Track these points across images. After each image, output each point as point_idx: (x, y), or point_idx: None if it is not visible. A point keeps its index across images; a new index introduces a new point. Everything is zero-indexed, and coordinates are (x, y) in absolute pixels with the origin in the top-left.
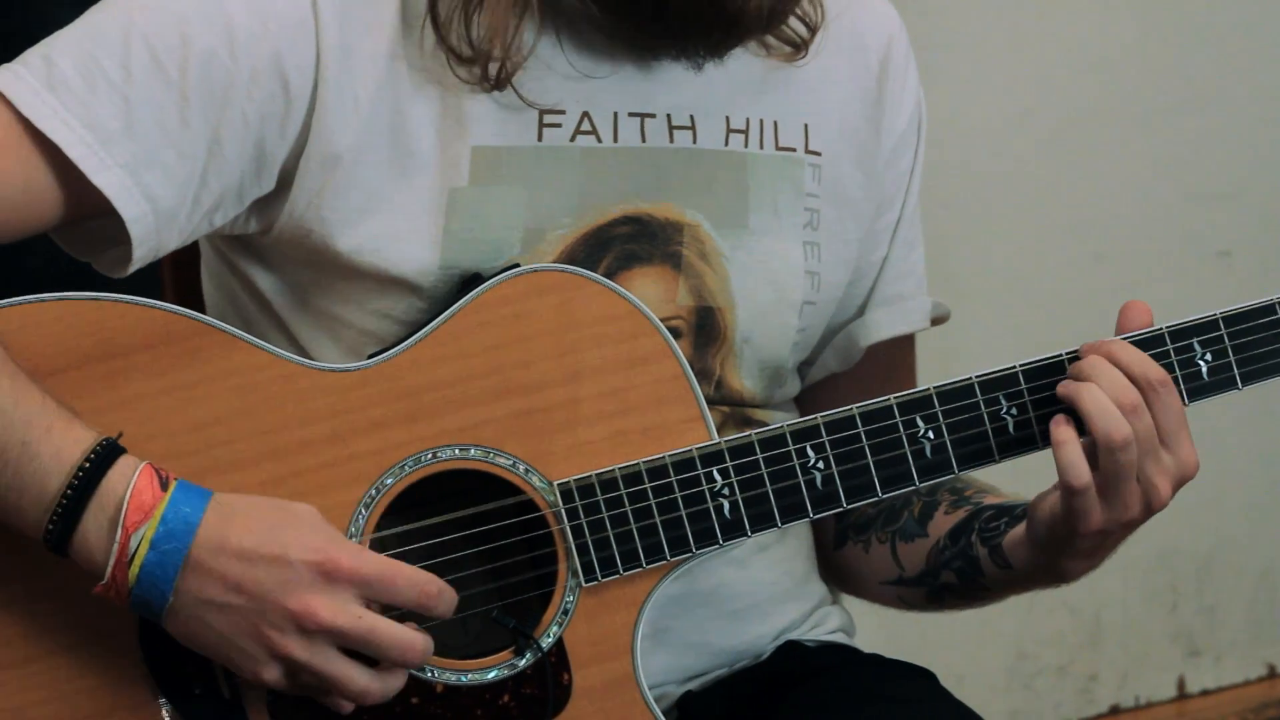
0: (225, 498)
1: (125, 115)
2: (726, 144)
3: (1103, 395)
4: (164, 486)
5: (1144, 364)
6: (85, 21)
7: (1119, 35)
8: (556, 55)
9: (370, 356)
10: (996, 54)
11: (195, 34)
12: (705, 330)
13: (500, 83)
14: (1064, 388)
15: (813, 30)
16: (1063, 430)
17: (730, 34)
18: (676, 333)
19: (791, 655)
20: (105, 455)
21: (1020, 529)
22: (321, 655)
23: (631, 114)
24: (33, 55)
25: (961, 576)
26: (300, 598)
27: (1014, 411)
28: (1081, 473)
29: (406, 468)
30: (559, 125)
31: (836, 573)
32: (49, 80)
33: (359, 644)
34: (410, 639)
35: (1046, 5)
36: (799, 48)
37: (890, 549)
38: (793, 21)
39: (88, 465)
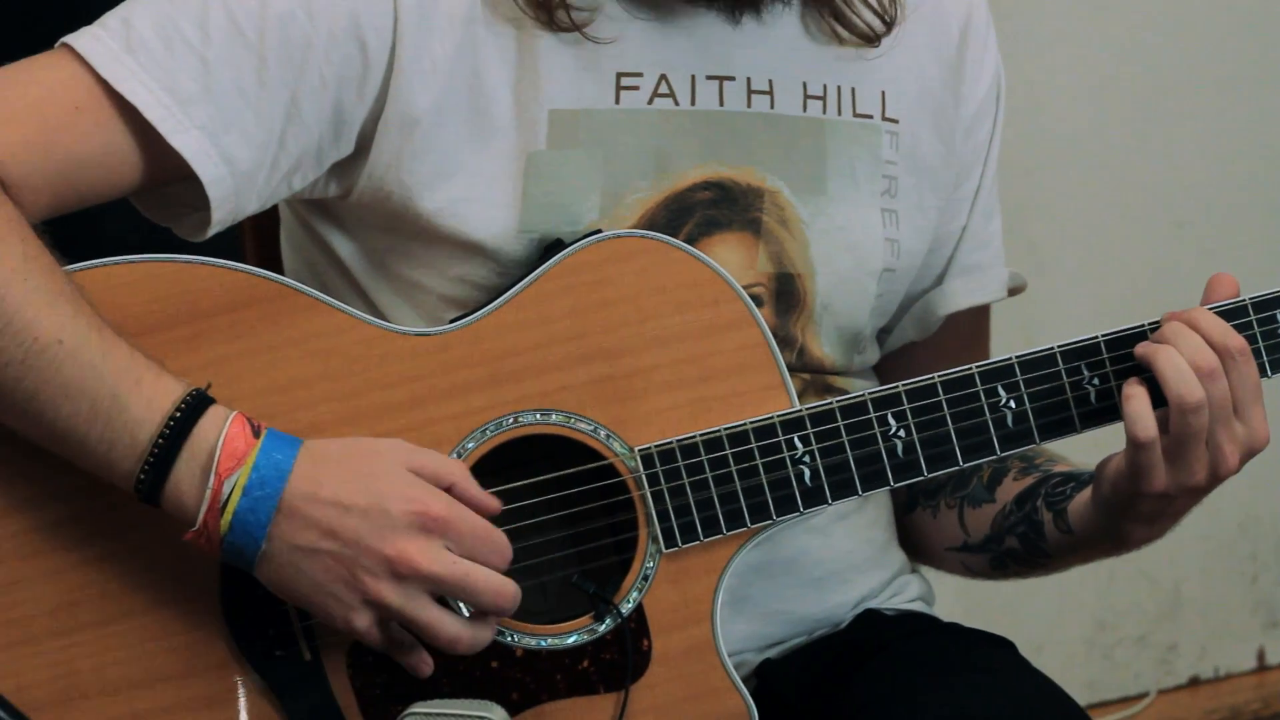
0: (315, 444)
1: (203, 77)
2: (804, 110)
3: (1179, 358)
4: (256, 434)
5: (1225, 332)
6: None
7: (1200, 3)
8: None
9: (451, 321)
10: (1078, 21)
11: None
12: (786, 297)
13: (566, 26)
14: (1142, 348)
15: (889, 24)
16: (1133, 386)
17: None
18: (758, 300)
19: (871, 624)
20: (196, 405)
21: (1085, 493)
22: (416, 601)
23: (710, 77)
24: (111, 18)
25: (1024, 542)
26: (395, 544)
27: (1096, 381)
28: (1148, 426)
29: (488, 432)
30: (636, 88)
31: (904, 538)
32: (128, 43)
33: (454, 589)
34: (503, 584)
35: None
36: (872, 41)
37: (958, 514)
38: (866, 15)
39: (179, 415)
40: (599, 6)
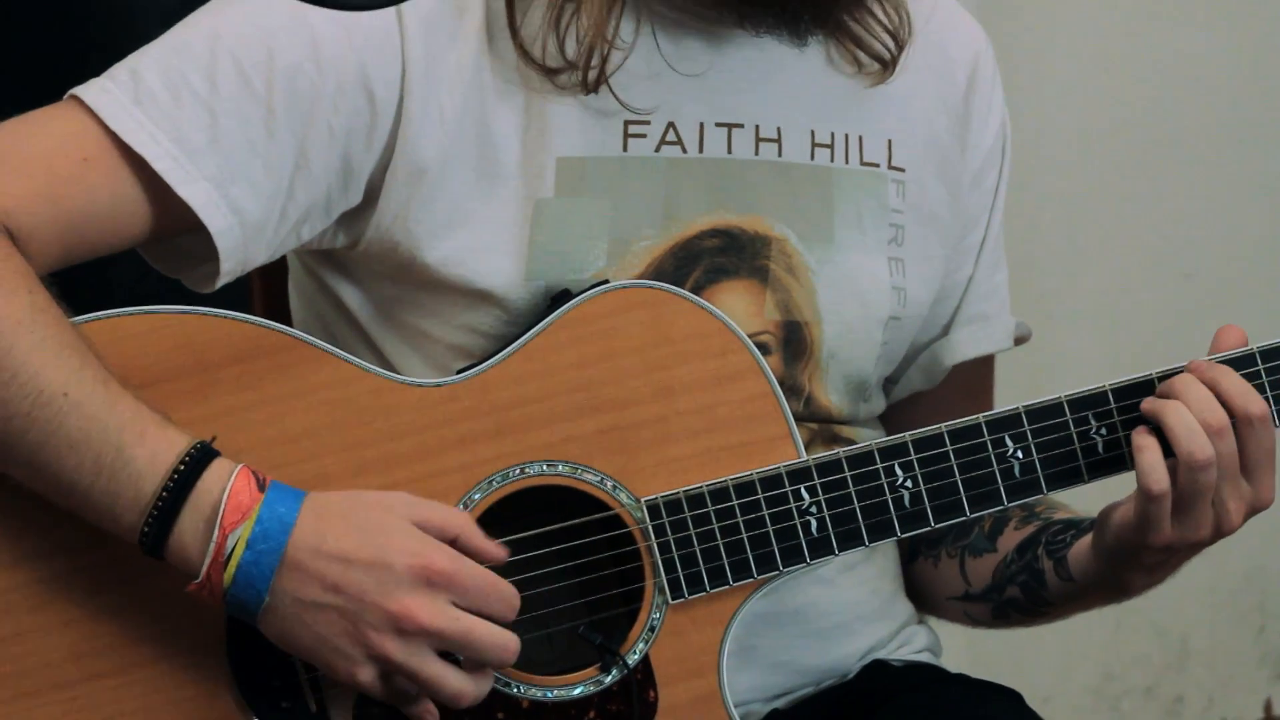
0: (319, 497)
1: (211, 129)
2: (812, 158)
3: (1188, 414)
4: (261, 488)
5: (1245, 395)
6: (171, 37)
7: (1208, 52)
8: (650, 49)
9: (459, 372)
10: (1084, 72)
11: (281, 48)
12: (794, 345)
13: (595, 85)
14: (1150, 404)
15: (900, 47)
16: (1144, 437)
17: None
18: (766, 348)
19: (878, 674)
20: (200, 457)
21: (1086, 540)
22: (418, 656)
23: (718, 124)
24: (120, 70)
25: (1026, 591)
26: (399, 599)
27: (1103, 431)
28: (1160, 478)
29: (494, 483)
30: (644, 135)
31: (907, 587)
32: (136, 95)
33: (457, 645)
34: (505, 638)
35: (1135, 23)
36: (887, 65)
37: (959, 564)
38: (882, 36)
39: (182, 467)
40: (627, 53)
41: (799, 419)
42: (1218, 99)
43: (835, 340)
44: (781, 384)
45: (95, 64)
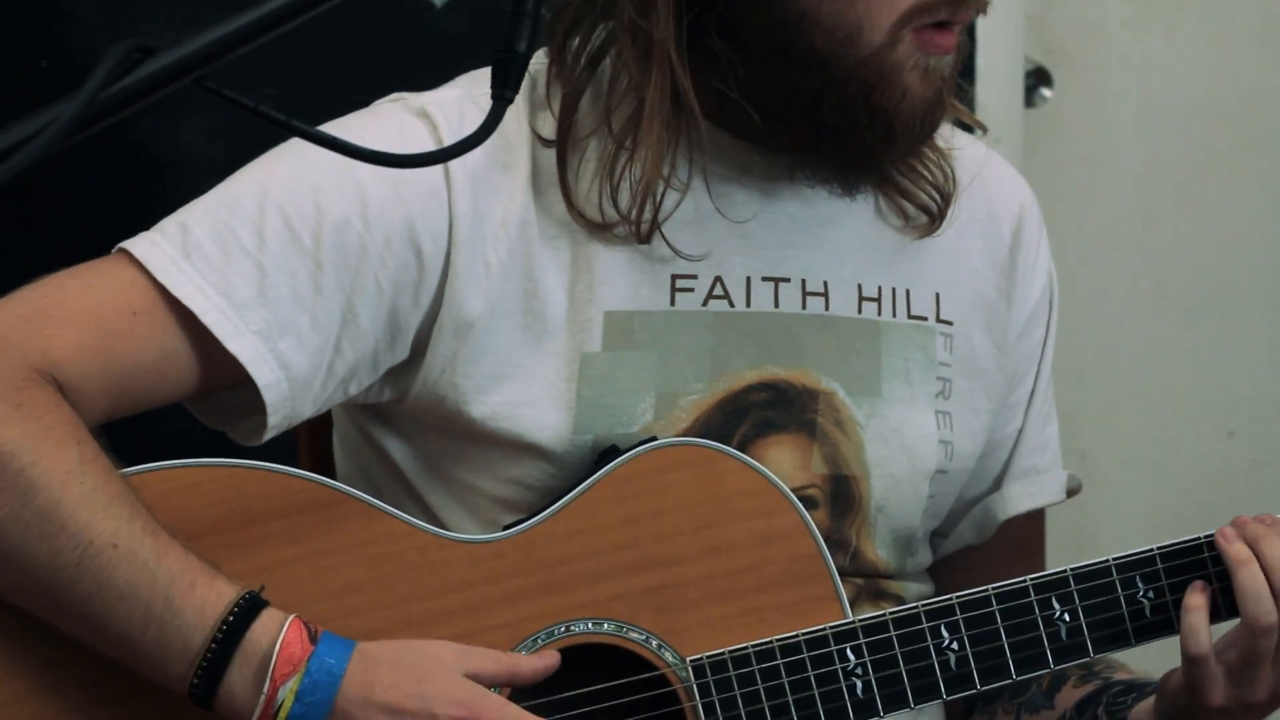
0: (368, 648)
1: (259, 282)
2: (859, 311)
3: (1261, 576)
4: (313, 640)
5: None
6: (221, 191)
7: (1250, 213)
8: (701, 195)
9: (506, 528)
10: (1130, 232)
11: (329, 202)
12: (841, 499)
13: (648, 235)
14: (1228, 549)
15: (947, 200)
16: (1194, 597)
17: (887, 141)
18: (812, 502)
19: None
20: (249, 609)
21: (1147, 703)
22: None
23: (765, 278)
24: (169, 223)
25: None
26: None
27: (1150, 595)
28: (1200, 641)
29: (539, 641)
30: (691, 290)
31: None
32: (184, 248)
33: None
34: None
35: (1178, 184)
36: (934, 218)
37: None
38: (929, 190)
39: (232, 619)
40: (681, 196)
41: (845, 574)
42: (1260, 258)
43: (883, 494)
44: (827, 538)
45: (141, 221)
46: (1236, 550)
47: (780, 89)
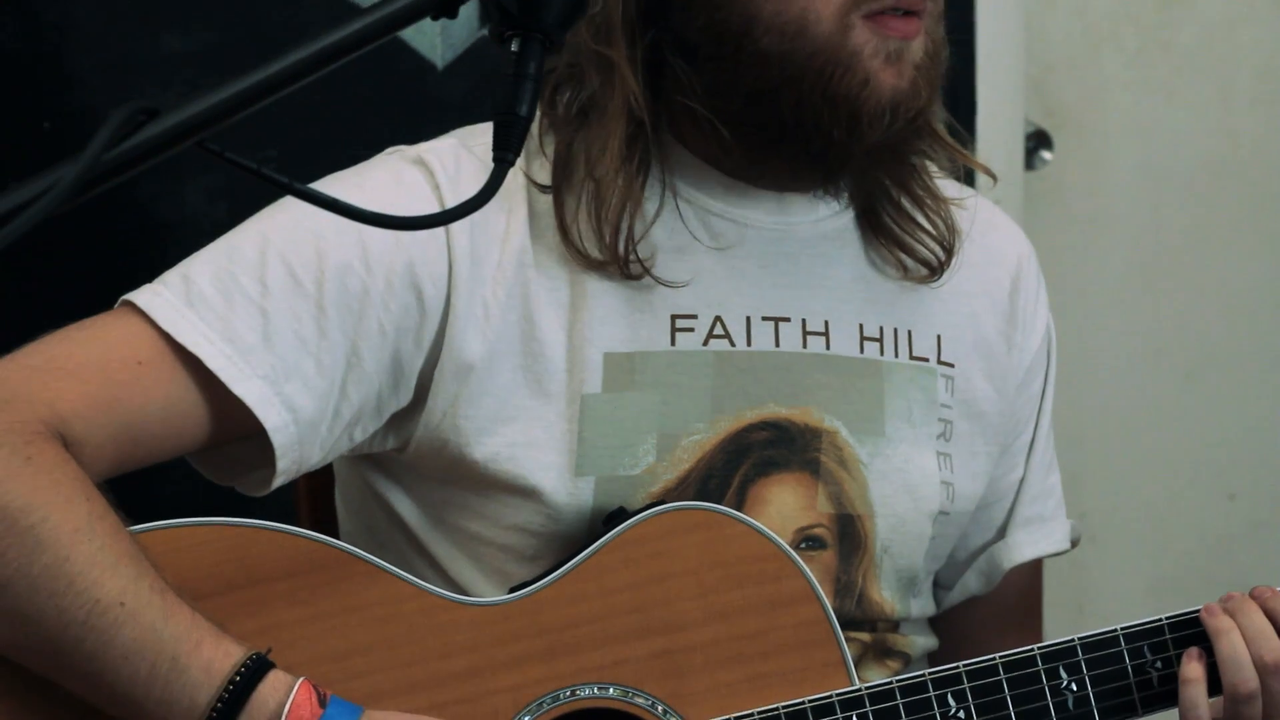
0: (376, 715)
1: (263, 328)
2: (861, 351)
3: (1240, 644)
4: (321, 703)
5: None
6: (222, 242)
7: (1250, 275)
8: (674, 221)
9: (512, 590)
10: (1130, 294)
11: (330, 248)
12: (849, 539)
13: (626, 263)
14: (1210, 621)
15: (949, 252)
16: (1190, 668)
17: (853, 129)
18: (821, 541)
19: None
20: (256, 669)
21: None
22: None
23: (765, 318)
24: (172, 274)
25: None
26: None
27: (1159, 664)
28: (1201, 715)
29: (544, 705)
30: (691, 330)
31: None
32: (188, 297)
33: None
34: None
35: (1178, 247)
36: (935, 270)
37: None
38: (928, 242)
39: (238, 678)
40: (657, 247)
41: (852, 623)
42: (1260, 321)
43: (888, 534)
44: (835, 581)
45: (144, 281)
46: (1218, 622)
47: (737, 94)
